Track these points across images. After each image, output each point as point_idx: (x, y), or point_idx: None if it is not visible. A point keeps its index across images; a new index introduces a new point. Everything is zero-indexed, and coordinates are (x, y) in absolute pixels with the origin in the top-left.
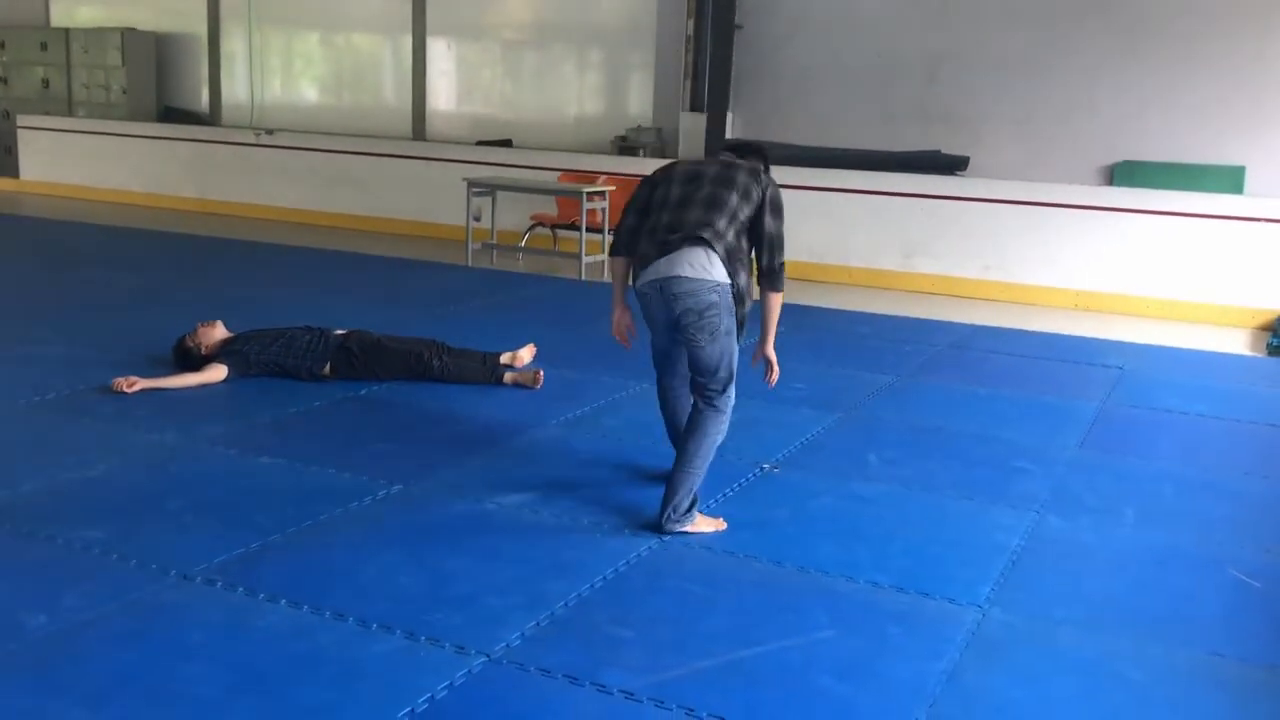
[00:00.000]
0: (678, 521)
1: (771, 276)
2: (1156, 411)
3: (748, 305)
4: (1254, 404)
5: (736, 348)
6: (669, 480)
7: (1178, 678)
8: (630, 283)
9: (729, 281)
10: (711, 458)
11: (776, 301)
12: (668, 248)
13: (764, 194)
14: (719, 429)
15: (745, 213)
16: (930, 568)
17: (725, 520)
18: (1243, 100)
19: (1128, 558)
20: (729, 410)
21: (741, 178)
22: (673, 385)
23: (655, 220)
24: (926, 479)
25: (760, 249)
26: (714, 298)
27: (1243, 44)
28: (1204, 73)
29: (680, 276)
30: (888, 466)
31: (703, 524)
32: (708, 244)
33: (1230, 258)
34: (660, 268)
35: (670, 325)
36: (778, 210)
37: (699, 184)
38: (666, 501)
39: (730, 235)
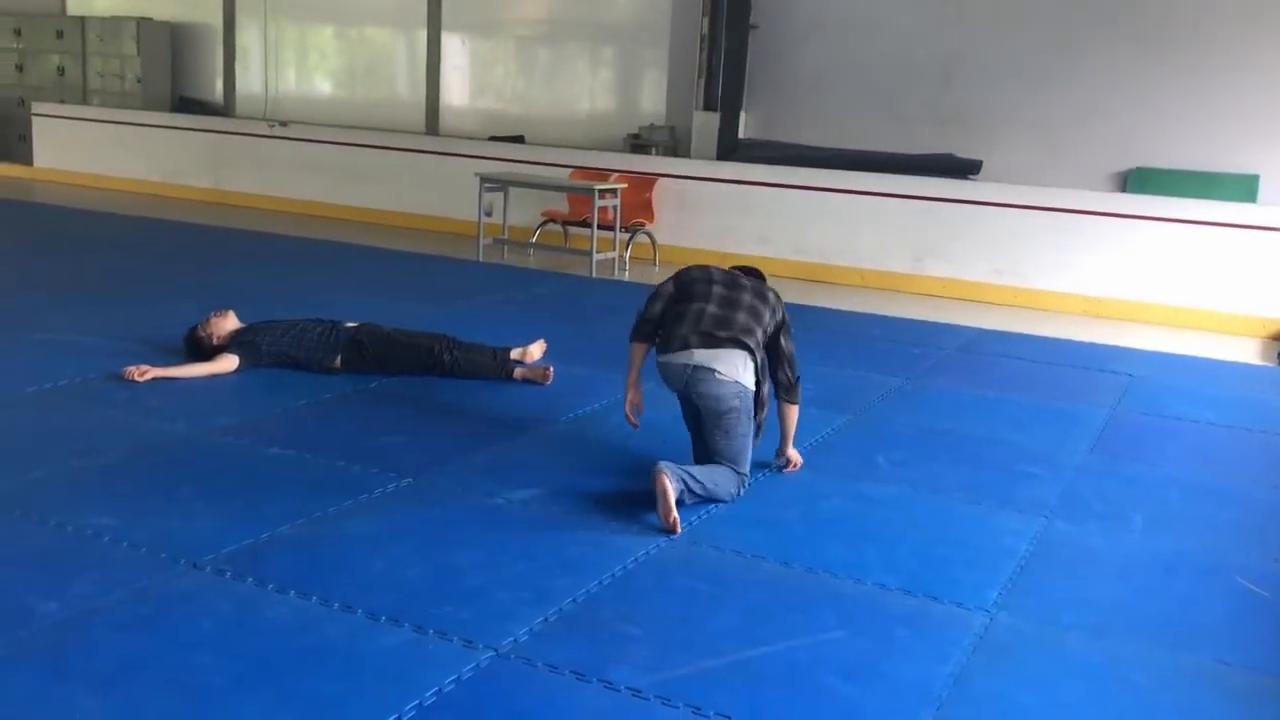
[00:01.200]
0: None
1: (790, 390)
2: (1166, 418)
3: (765, 412)
4: (1263, 412)
5: (751, 443)
6: (690, 470)
7: (1184, 684)
8: (650, 351)
9: (754, 389)
10: (717, 494)
11: (794, 412)
12: (712, 342)
13: (783, 316)
14: (732, 486)
15: (771, 329)
16: (938, 570)
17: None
18: (1258, 109)
19: (1135, 563)
20: (745, 481)
21: (770, 297)
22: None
23: (698, 310)
24: (935, 481)
25: (778, 366)
26: (735, 402)
27: (1259, 53)
28: (1220, 81)
29: (714, 373)
30: (897, 468)
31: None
32: (750, 351)
33: (1242, 266)
34: (697, 356)
35: (688, 401)
36: (789, 332)
37: (739, 291)
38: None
39: (763, 346)
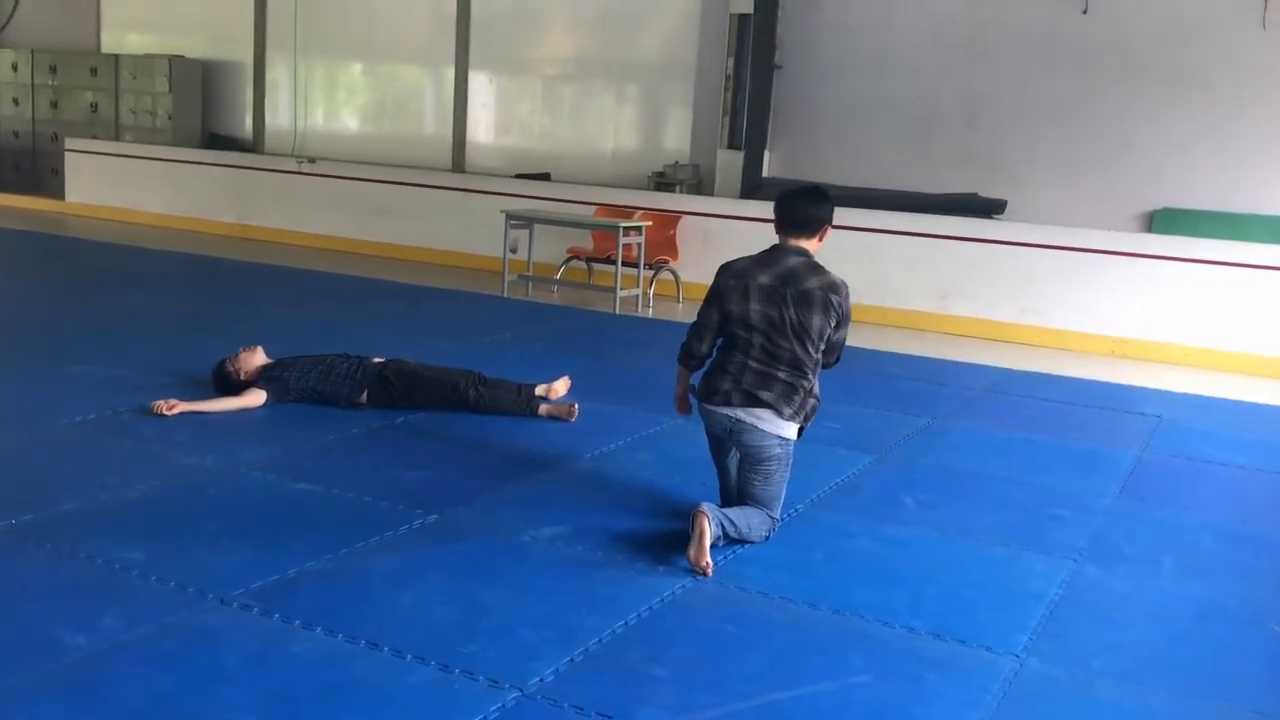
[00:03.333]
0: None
1: (827, 367)
2: (1195, 461)
3: (816, 403)
4: None
5: (786, 484)
6: (728, 513)
7: None
8: (695, 392)
9: (795, 438)
10: (750, 537)
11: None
12: (755, 402)
13: (841, 309)
14: (763, 529)
15: (829, 330)
16: (966, 614)
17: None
18: None
19: (1167, 610)
20: (776, 525)
21: (819, 293)
22: (728, 467)
23: (739, 364)
24: (962, 523)
25: (825, 351)
26: (777, 450)
27: None
28: (1246, 122)
29: (754, 428)
30: (923, 510)
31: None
32: (790, 399)
33: (1270, 308)
34: (737, 412)
35: (723, 440)
36: (848, 321)
37: (781, 303)
38: (721, 525)
39: (819, 357)
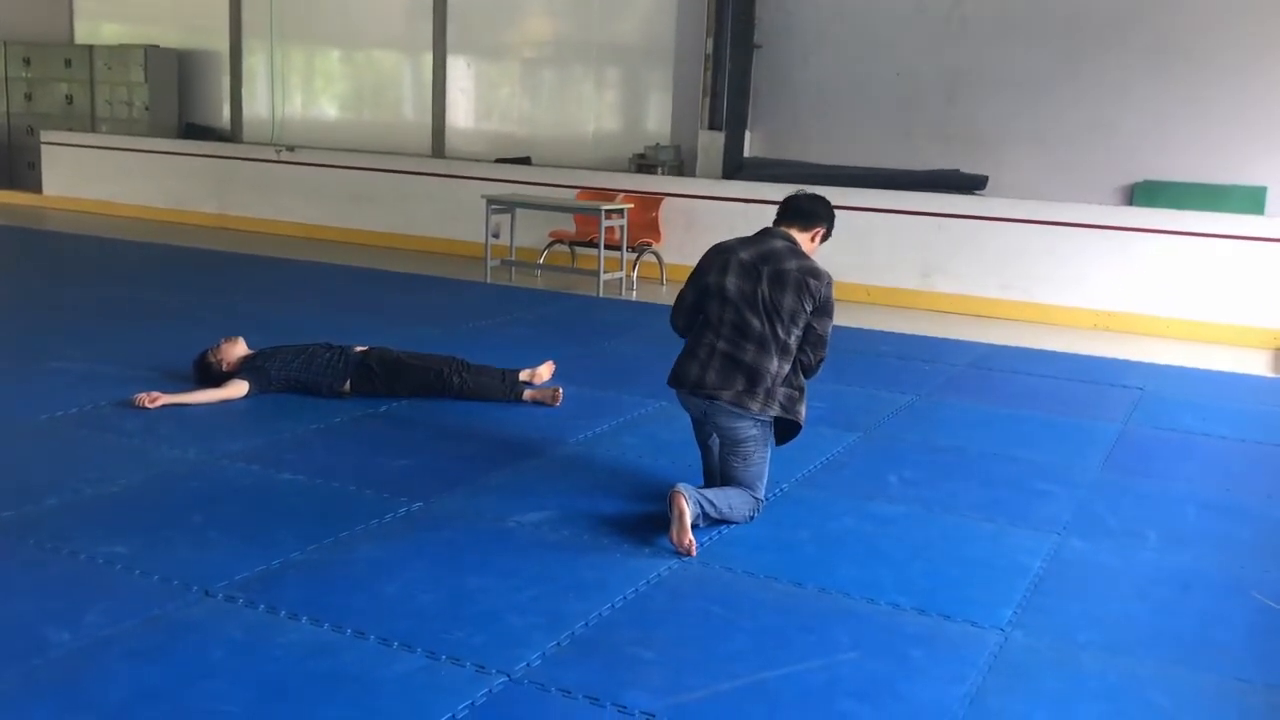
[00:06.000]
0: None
1: (808, 372)
2: (1178, 433)
3: (804, 404)
4: (1276, 426)
5: (768, 467)
6: (706, 493)
7: (1204, 703)
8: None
9: (774, 416)
10: (732, 517)
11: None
12: (725, 383)
13: (819, 294)
14: (747, 509)
15: (794, 340)
16: (952, 590)
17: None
18: (1265, 120)
19: (1151, 581)
20: (760, 505)
21: (795, 274)
22: (710, 447)
23: (708, 347)
24: (947, 500)
25: (803, 347)
26: (753, 431)
27: (1266, 65)
28: (1226, 93)
29: (727, 411)
30: (908, 487)
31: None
32: (753, 392)
33: (1251, 278)
34: (709, 394)
35: (703, 424)
36: (830, 313)
37: (755, 279)
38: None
39: (791, 342)
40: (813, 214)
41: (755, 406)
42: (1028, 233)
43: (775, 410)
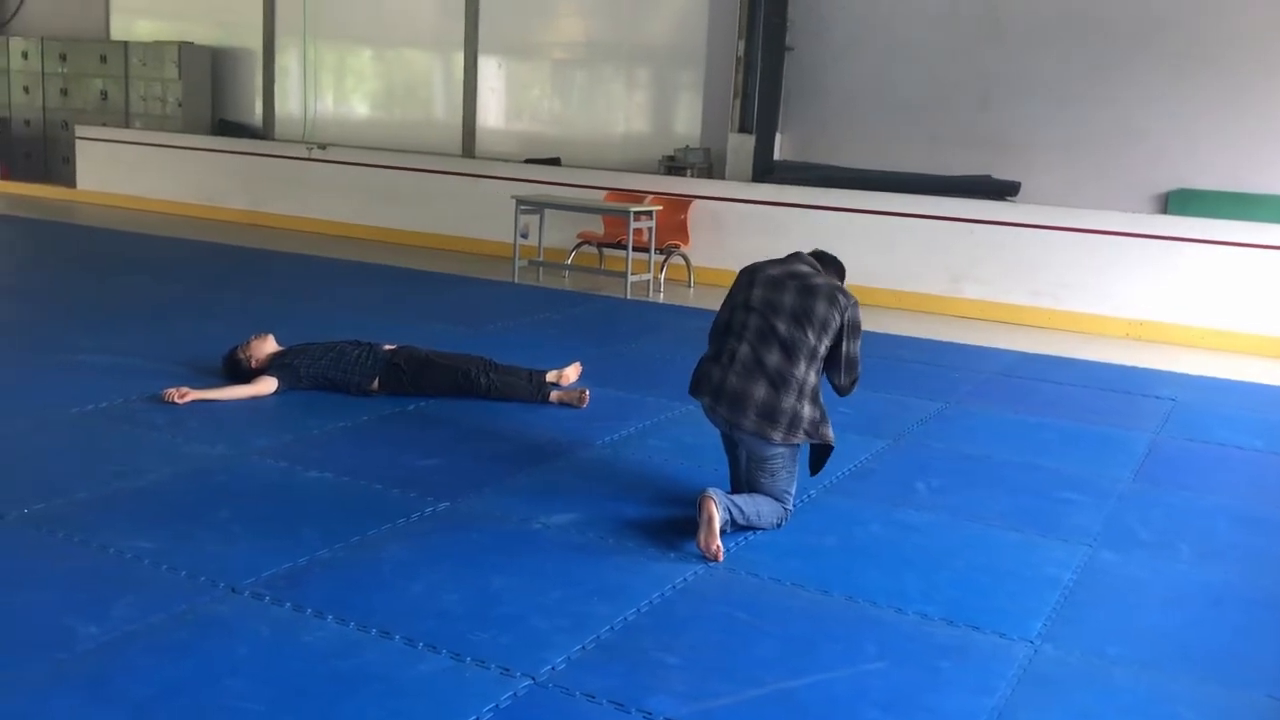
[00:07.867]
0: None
1: (841, 393)
2: (1210, 445)
3: (829, 427)
4: None
5: (796, 477)
6: (735, 499)
7: None
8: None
9: (797, 444)
10: (760, 524)
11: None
12: (739, 413)
13: (843, 319)
14: (775, 516)
15: (823, 349)
16: (980, 600)
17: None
18: None
19: (1183, 594)
20: (787, 514)
21: (824, 287)
22: (738, 457)
23: (734, 341)
24: (976, 509)
25: (834, 370)
26: (780, 450)
27: None
28: (1262, 100)
29: (749, 433)
30: (936, 495)
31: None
32: (774, 419)
33: None
34: (730, 412)
35: (730, 436)
36: (857, 332)
37: (783, 290)
38: (729, 510)
39: (821, 350)
40: (832, 262)
41: (778, 436)
42: (1059, 240)
43: (799, 438)
